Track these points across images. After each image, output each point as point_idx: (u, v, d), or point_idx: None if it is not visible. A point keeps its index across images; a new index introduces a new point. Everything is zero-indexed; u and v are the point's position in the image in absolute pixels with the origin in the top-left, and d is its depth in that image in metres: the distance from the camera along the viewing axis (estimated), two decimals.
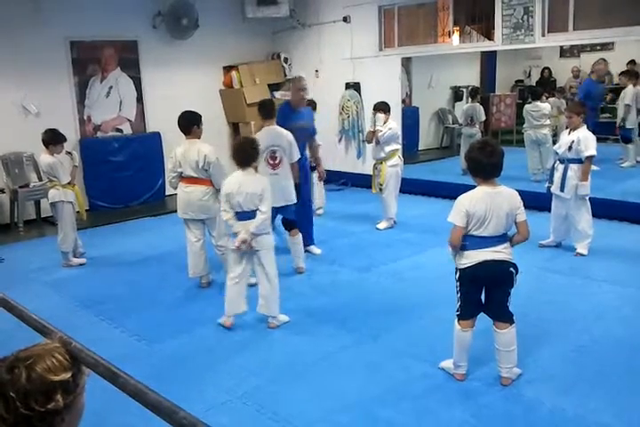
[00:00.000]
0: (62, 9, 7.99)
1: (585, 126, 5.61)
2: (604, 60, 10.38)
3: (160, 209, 8.46)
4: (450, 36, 8.37)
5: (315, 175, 7.67)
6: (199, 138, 5.20)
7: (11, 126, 7.77)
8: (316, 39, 9.67)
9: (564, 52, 12.28)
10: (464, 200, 3.35)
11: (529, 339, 4.00)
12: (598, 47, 11.19)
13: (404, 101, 9.75)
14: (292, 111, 5.76)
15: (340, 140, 9.62)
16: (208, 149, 5.09)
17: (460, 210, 3.32)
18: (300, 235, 5.63)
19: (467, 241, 3.36)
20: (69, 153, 6.22)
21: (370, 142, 6.95)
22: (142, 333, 4.42)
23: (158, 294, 5.23)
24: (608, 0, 7.02)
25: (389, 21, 8.82)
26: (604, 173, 7.93)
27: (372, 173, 7.06)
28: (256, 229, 4.22)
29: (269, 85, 10.02)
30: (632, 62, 10.36)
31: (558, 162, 5.73)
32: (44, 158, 5.87)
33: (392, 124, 6.80)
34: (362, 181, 9.26)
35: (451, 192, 6.53)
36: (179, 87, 9.14)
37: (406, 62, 9.53)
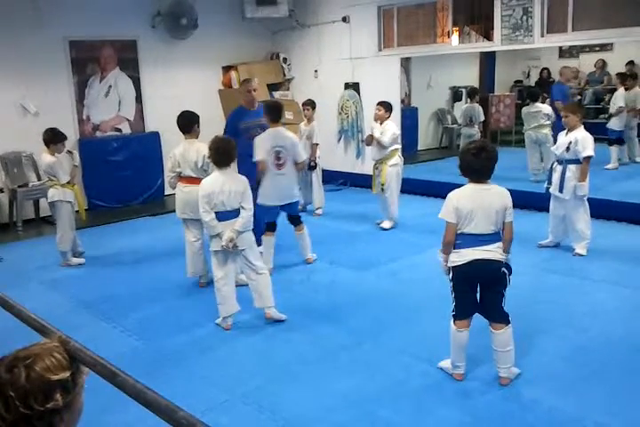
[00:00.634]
0: (61, 9, 7.99)
1: (582, 127, 5.61)
2: (569, 66, 10.38)
3: (159, 209, 8.47)
4: (449, 37, 8.37)
5: (314, 175, 7.71)
6: (197, 138, 5.22)
7: (10, 126, 7.77)
8: (315, 39, 9.68)
9: (563, 53, 12.29)
10: (452, 196, 3.42)
11: (527, 339, 4.01)
12: (597, 48, 11.22)
13: (403, 101, 9.75)
14: (246, 111, 5.95)
15: (339, 140, 9.62)
16: (206, 148, 5.09)
17: (448, 206, 3.39)
18: (306, 229, 5.79)
19: (459, 239, 3.39)
20: (70, 152, 6.23)
21: (369, 145, 6.93)
22: (141, 332, 4.43)
23: (157, 293, 5.23)
24: (607, 1, 7.03)
25: (389, 22, 8.82)
26: (602, 174, 7.95)
27: (372, 173, 7.04)
28: (242, 226, 4.26)
29: (268, 85, 10.02)
30: (631, 63, 10.39)
31: (556, 163, 5.74)
32: (45, 158, 5.87)
33: (391, 126, 6.74)
34: (361, 181, 9.27)
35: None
36: (178, 87, 9.14)
37: (405, 62, 9.53)
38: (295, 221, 5.76)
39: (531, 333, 4.12)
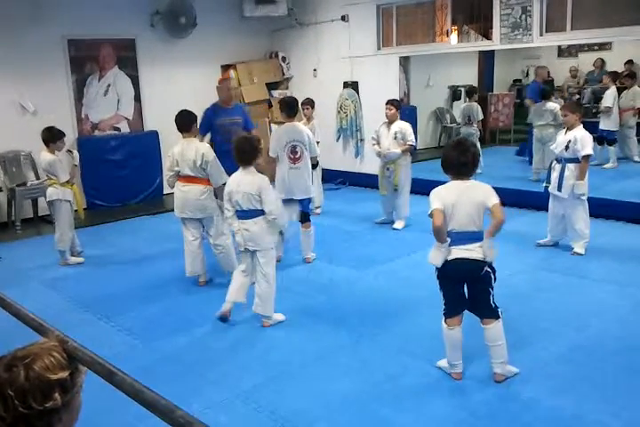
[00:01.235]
0: (60, 7, 7.98)
1: (581, 126, 5.62)
2: (545, 66, 10.42)
3: (158, 208, 8.46)
4: (448, 36, 8.39)
5: (314, 173, 7.70)
6: (195, 136, 5.23)
7: (8, 125, 7.76)
8: (314, 38, 9.67)
9: (562, 52, 12.30)
10: (435, 190, 3.50)
11: (526, 338, 4.02)
12: (596, 47, 11.23)
13: (401, 100, 9.74)
14: (222, 108, 6.14)
15: (337, 139, 9.62)
16: (205, 147, 5.10)
17: (432, 199, 3.43)
18: (313, 227, 5.84)
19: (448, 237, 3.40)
20: (70, 151, 6.24)
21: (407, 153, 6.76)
22: (139, 331, 4.42)
23: (155, 292, 5.23)
24: (606, 0, 7.03)
25: (388, 20, 8.82)
26: (601, 173, 7.96)
27: (369, 171, 7.00)
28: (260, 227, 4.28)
29: (267, 84, 10.03)
30: (630, 62, 10.39)
31: (555, 161, 5.74)
32: (44, 156, 5.86)
33: (407, 126, 6.67)
34: (360, 180, 9.28)
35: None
36: (177, 86, 9.13)
37: (404, 61, 9.53)
38: (304, 217, 5.80)
39: (529, 332, 4.12)
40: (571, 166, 5.55)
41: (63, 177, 5.88)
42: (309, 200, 5.88)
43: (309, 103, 7.79)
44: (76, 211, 6.18)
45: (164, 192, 8.79)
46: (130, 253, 6.47)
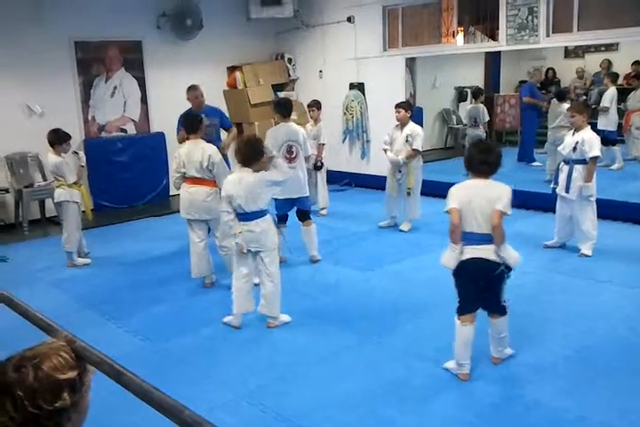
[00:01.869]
0: (67, 9, 8.02)
1: (589, 127, 5.60)
2: (539, 69, 10.53)
3: (164, 209, 8.48)
4: (454, 37, 8.36)
5: (319, 175, 7.71)
6: (202, 138, 5.24)
7: (15, 126, 7.79)
8: (320, 39, 9.68)
9: (569, 53, 12.25)
10: (452, 189, 3.59)
11: (532, 339, 4.01)
12: (603, 48, 11.18)
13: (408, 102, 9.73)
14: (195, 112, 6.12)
15: (343, 140, 9.62)
16: (212, 149, 5.11)
17: (449, 197, 3.53)
18: (314, 225, 5.87)
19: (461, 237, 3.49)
20: (76, 153, 6.26)
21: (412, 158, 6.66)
22: (146, 332, 4.44)
23: (162, 293, 5.24)
24: (612, 1, 7.01)
25: (393, 22, 8.82)
26: (608, 174, 7.92)
27: (389, 175, 6.89)
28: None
29: (273, 86, 10.02)
30: (637, 63, 10.33)
31: (563, 163, 5.73)
32: (51, 158, 5.89)
33: (418, 129, 6.64)
34: (366, 182, 9.27)
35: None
36: (183, 88, 9.04)
37: (410, 63, 9.51)
38: (304, 215, 5.85)
39: (535, 333, 4.12)
40: (579, 168, 5.53)
41: (71, 178, 5.91)
42: (307, 198, 5.91)
43: (316, 105, 7.79)
44: (83, 212, 6.20)
45: (171, 193, 8.81)
46: (136, 254, 6.49)
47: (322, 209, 7.80)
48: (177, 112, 6.03)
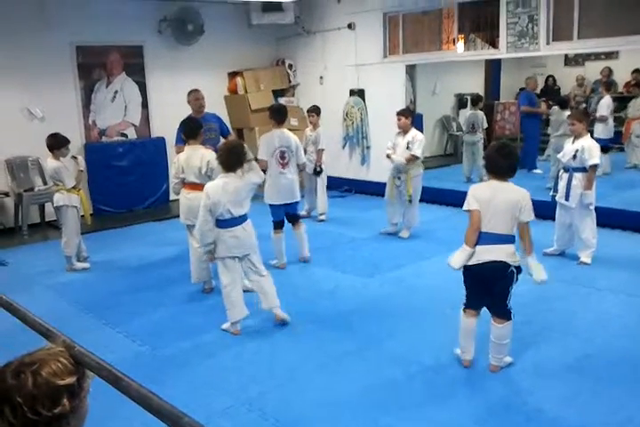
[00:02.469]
0: (68, 14, 8.04)
1: (589, 135, 5.61)
2: (534, 77, 10.54)
3: (164, 214, 8.48)
4: (454, 44, 8.39)
5: (319, 180, 7.72)
6: (201, 144, 5.26)
7: (16, 131, 7.80)
8: (320, 46, 9.71)
9: (569, 61, 12.28)
10: (472, 189, 3.64)
11: (531, 347, 4.00)
12: (603, 56, 11.20)
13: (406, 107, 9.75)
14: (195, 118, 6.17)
15: (343, 146, 9.63)
16: (211, 155, 5.11)
17: (469, 197, 3.58)
18: (304, 226, 6.03)
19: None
20: (75, 157, 6.27)
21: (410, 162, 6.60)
22: (145, 337, 4.42)
23: (161, 299, 5.23)
24: (613, 9, 7.03)
25: (394, 28, 8.85)
26: (607, 182, 7.92)
27: (389, 181, 6.86)
28: None
29: (274, 91, 10.05)
30: (637, 71, 10.36)
31: (563, 171, 5.73)
32: (50, 163, 5.90)
33: (419, 135, 6.61)
34: (366, 188, 9.28)
35: (454, 199, 6.51)
36: (183, 93, 9.05)
37: (410, 69, 9.53)
38: (294, 219, 6.00)
39: (535, 341, 4.11)
40: (578, 176, 5.54)
41: (69, 183, 5.91)
42: (297, 203, 6.05)
43: (315, 110, 7.80)
44: (82, 216, 6.20)
45: (170, 198, 8.81)
46: (136, 259, 6.48)
47: (321, 214, 7.80)
48: (177, 117, 6.03)
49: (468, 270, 3.59)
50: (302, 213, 6.79)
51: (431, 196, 8.37)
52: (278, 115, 5.94)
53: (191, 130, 5.25)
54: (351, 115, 9.40)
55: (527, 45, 7.28)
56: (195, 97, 6.35)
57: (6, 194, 7.76)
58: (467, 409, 3.36)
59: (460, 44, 8.36)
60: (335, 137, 9.36)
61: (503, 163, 3.55)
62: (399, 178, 6.71)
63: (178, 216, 5.44)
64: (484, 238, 3.50)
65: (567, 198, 5.60)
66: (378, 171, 8.60)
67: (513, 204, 3.49)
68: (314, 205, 7.94)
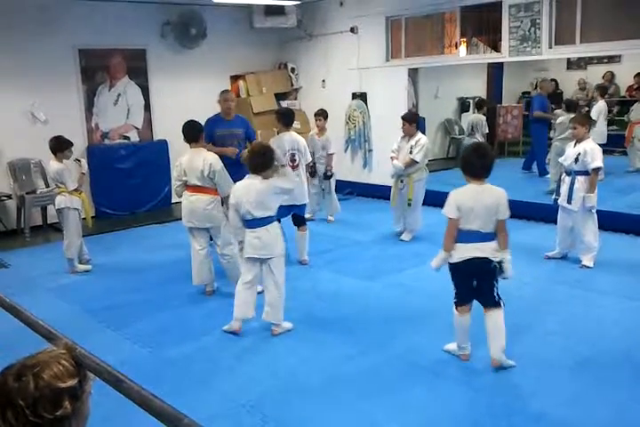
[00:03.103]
0: (71, 17, 8.07)
1: (591, 138, 5.61)
2: (548, 80, 10.63)
3: (166, 217, 8.48)
4: (457, 48, 8.40)
5: (331, 184, 7.79)
6: (203, 146, 5.28)
7: (19, 133, 7.82)
8: (323, 49, 9.72)
9: (571, 65, 12.31)
10: (453, 194, 3.73)
11: (533, 350, 3.99)
12: (605, 60, 11.24)
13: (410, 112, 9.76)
14: (222, 120, 6.29)
15: (345, 149, 9.64)
16: (213, 157, 5.13)
17: (450, 203, 3.69)
18: (307, 230, 6.13)
19: (457, 235, 3.68)
20: (78, 160, 6.30)
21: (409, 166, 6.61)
22: (146, 339, 4.43)
23: (163, 301, 5.23)
24: (615, 13, 7.03)
25: (396, 32, 8.86)
26: (609, 186, 7.92)
27: (393, 185, 6.84)
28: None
29: (276, 95, 10.07)
30: (639, 75, 10.38)
31: (565, 174, 5.73)
32: (53, 165, 5.93)
33: (423, 140, 6.59)
34: (368, 191, 9.28)
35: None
36: (186, 96, 9.19)
37: (413, 73, 9.55)
38: (300, 221, 6.08)
39: (536, 344, 4.10)
40: (580, 179, 5.54)
41: (71, 185, 5.93)
42: (305, 205, 6.18)
43: (322, 114, 7.81)
44: (83, 219, 6.21)
45: (173, 201, 8.82)
46: (137, 261, 6.49)
47: (330, 215, 7.90)
48: (180, 120, 6.04)
49: (455, 267, 3.72)
50: (307, 215, 6.80)
51: (433, 199, 8.32)
52: (287, 118, 6.13)
53: (192, 133, 5.25)
54: (353, 118, 9.40)
55: (530, 49, 7.28)
56: (224, 98, 6.33)
57: (9, 196, 7.77)
58: (468, 413, 3.35)
59: (463, 48, 8.37)
60: (337, 140, 9.35)
61: (477, 162, 3.63)
62: (402, 181, 6.72)
63: (180, 219, 5.45)
64: (468, 237, 3.63)
65: (569, 202, 5.60)
66: (380, 174, 8.61)
67: (494, 207, 3.60)
68: (321, 207, 8.00)
